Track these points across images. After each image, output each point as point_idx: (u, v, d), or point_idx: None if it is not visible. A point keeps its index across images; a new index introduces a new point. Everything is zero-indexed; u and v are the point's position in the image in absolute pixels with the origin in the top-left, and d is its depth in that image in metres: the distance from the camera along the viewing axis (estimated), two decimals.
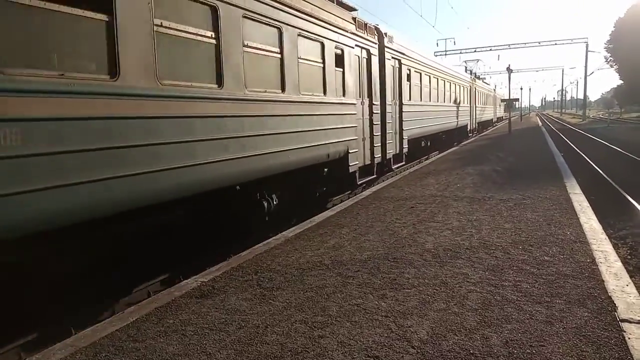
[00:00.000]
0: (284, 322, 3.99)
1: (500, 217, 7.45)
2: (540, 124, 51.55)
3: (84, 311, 5.13)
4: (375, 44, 12.69)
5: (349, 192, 11.81)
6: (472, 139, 30.81)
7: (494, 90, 55.73)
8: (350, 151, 10.54)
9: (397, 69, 14.57)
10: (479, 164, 15.08)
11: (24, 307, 4.63)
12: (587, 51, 67.28)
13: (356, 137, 10.97)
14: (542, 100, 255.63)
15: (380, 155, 12.79)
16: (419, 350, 3.40)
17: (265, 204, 7.80)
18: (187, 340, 3.77)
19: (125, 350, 3.65)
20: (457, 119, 25.82)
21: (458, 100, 26.21)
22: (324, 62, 9.44)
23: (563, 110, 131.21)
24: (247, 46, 6.86)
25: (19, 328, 4.65)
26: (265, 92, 7.41)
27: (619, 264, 5.06)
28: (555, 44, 64.27)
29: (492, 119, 50.92)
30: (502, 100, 51.49)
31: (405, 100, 15.11)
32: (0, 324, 4.36)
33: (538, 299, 4.21)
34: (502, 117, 67.02)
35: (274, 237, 7.00)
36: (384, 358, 3.32)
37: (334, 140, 9.72)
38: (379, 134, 12.72)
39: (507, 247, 5.84)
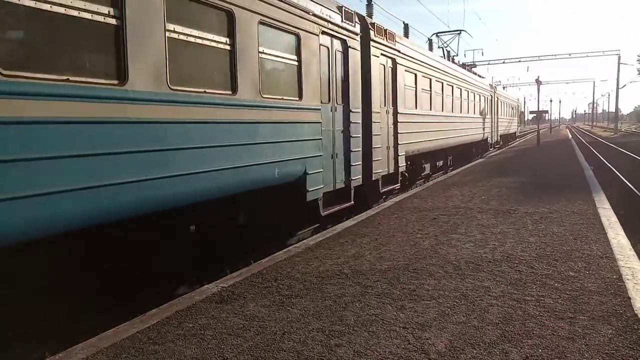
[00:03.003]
0: (302, 330, 4.00)
1: (525, 230, 7.33)
2: (570, 136, 50.51)
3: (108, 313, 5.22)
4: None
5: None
6: (497, 151, 30.33)
7: (519, 100, 47.71)
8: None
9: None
10: (505, 175, 14.86)
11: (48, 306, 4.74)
12: (619, 63, 65.80)
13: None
14: (572, 113, 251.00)
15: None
16: None
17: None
18: (206, 344, 3.81)
19: (145, 352, 3.72)
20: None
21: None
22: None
23: (594, 123, 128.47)
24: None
25: (43, 327, 4.76)
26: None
27: None
28: (587, 56, 63.01)
29: (515, 132, 46.00)
30: (531, 112, 48.46)
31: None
32: (25, 322, 4.48)
33: (561, 314, 4.12)
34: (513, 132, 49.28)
35: (294, 245, 7.03)
36: None
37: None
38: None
39: (531, 261, 5.73)
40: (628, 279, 4.94)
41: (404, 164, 12.49)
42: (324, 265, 5.87)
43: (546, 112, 57.38)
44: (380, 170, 11.00)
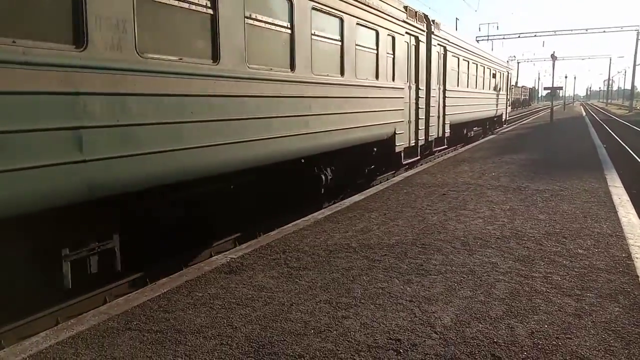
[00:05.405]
0: (309, 301, 4.04)
1: (535, 207, 7.30)
2: (583, 113, 49.82)
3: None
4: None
5: (393, 171, 12.33)
6: (510, 127, 29.96)
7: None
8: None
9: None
10: (517, 152, 14.73)
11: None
12: (637, 39, 64.15)
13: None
14: (587, 90, 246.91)
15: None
16: (442, 336, 3.40)
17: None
18: (215, 313, 3.87)
19: (155, 319, 3.79)
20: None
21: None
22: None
23: (609, 101, 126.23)
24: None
25: (56, 294, 4.87)
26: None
27: None
28: (604, 31, 61.65)
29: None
30: (545, 88, 45.94)
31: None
32: (37, 290, 4.57)
33: (568, 291, 4.12)
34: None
35: (303, 219, 7.06)
36: (406, 341, 3.34)
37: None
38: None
39: (540, 238, 5.72)
40: (637, 258, 4.92)
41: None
42: (332, 238, 5.90)
43: (560, 88, 56.29)
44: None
